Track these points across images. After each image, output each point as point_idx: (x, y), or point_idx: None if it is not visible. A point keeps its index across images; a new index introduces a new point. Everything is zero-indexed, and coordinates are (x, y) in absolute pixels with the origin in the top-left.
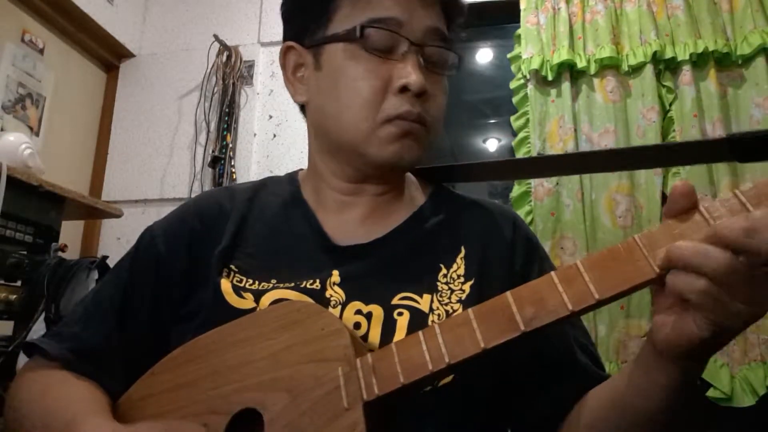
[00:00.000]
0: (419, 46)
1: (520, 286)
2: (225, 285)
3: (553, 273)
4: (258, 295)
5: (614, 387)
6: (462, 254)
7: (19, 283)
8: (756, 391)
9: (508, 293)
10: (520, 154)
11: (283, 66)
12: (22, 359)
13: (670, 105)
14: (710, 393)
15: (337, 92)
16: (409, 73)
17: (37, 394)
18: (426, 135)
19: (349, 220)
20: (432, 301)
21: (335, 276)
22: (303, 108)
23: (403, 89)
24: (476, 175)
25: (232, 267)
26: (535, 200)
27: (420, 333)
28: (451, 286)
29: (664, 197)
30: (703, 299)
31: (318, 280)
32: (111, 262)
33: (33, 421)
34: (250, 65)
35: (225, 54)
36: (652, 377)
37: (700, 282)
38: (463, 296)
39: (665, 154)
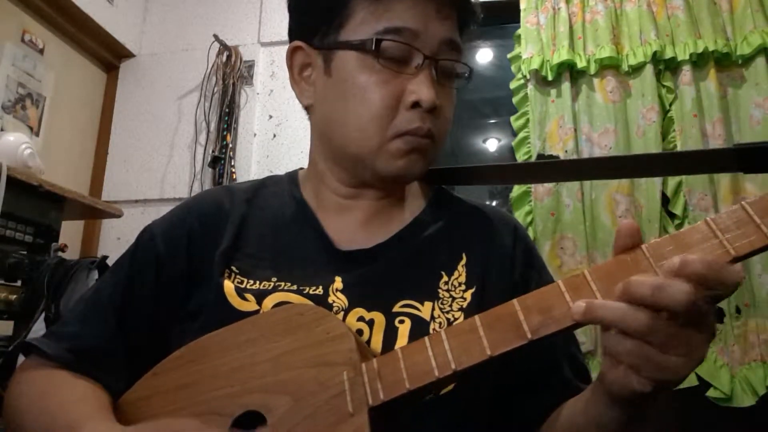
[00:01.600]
0: (433, 59)
1: (527, 294)
2: (227, 286)
3: (560, 281)
4: (260, 297)
5: (576, 409)
6: (463, 262)
7: (19, 283)
8: (756, 391)
9: (514, 301)
10: (520, 154)
11: (290, 66)
12: (22, 360)
13: (670, 105)
14: (710, 393)
15: (345, 102)
16: (422, 89)
17: (37, 395)
18: (433, 149)
19: (350, 223)
20: (433, 309)
21: (338, 282)
22: (307, 108)
23: (415, 105)
24: (477, 178)
25: (233, 268)
26: (535, 200)
27: (426, 339)
28: (453, 293)
29: (664, 197)
30: (632, 359)
31: (321, 286)
32: (111, 262)
33: (33, 423)
34: (250, 65)
35: (225, 54)
36: (606, 412)
37: (626, 342)
38: (465, 304)
39: (671, 163)
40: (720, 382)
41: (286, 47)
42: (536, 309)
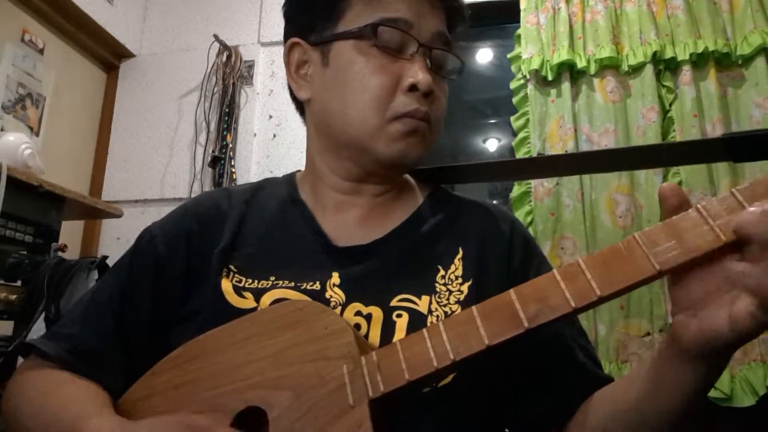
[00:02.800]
0: (427, 48)
1: (523, 283)
2: (225, 285)
3: (555, 270)
4: (258, 295)
5: (630, 389)
6: (460, 255)
7: (19, 283)
8: (756, 391)
9: (511, 291)
10: (520, 154)
11: (287, 63)
12: (22, 360)
13: (670, 105)
14: (710, 393)
15: (344, 88)
16: (418, 73)
17: (38, 394)
18: (430, 134)
19: (348, 220)
20: (430, 303)
21: (335, 277)
22: (301, 107)
23: (412, 88)
24: (474, 176)
25: (232, 267)
26: (535, 200)
27: (424, 330)
28: (450, 287)
29: None
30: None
31: (318, 282)
32: (111, 262)
33: (35, 422)
34: (250, 65)
35: (225, 54)
36: (674, 377)
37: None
38: (462, 297)
39: (661, 154)
40: (720, 382)
41: None
42: (533, 298)
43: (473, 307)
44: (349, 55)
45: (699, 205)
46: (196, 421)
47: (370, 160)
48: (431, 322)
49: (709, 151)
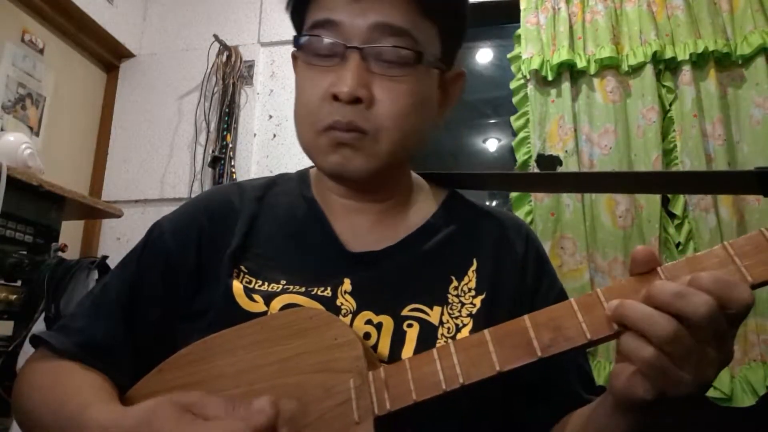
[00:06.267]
0: (358, 48)
1: (538, 310)
2: (236, 286)
3: (572, 300)
4: (268, 299)
5: (584, 417)
6: (474, 267)
7: (19, 283)
8: (756, 391)
9: (525, 317)
10: (520, 154)
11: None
12: (22, 359)
13: (670, 105)
14: (710, 393)
15: (295, 101)
16: (338, 80)
17: (47, 383)
18: (371, 144)
19: (359, 225)
20: (442, 314)
21: (346, 284)
22: None
23: (335, 97)
24: (488, 184)
25: (243, 268)
26: (535, 200)
27: (434, 351)
28: (462, 299)
29: (664, 197)
30: (647, 368)
31: (329, 288)
32: (111, 262)
33: (43, 410)
34: (250, 65)
35: (225, 54)
36: (613, 420)
37: (647, 349)
38: (474, 310)
39: (690, 181)
40: (720, 382)
41: (286, 47)
42: (548, 327)
43: (485, 331)
44: (298, 68)
45: (726, 243)
46: (182, 399)
47: (323, 173)
48: (442, 334)
49: (740, 183)
